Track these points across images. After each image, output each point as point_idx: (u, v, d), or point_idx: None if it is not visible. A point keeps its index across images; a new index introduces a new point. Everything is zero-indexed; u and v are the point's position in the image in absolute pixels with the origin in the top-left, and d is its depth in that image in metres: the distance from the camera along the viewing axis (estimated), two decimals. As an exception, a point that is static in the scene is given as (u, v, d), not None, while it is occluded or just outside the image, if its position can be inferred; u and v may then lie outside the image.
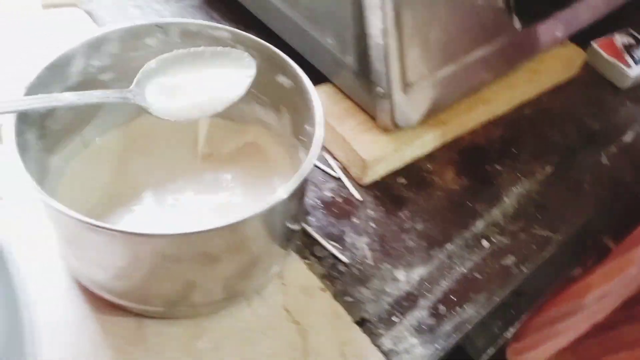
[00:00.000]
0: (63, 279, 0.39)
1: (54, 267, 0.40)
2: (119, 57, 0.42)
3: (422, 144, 0.53)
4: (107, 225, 0.30)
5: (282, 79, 0.43)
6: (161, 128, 0.45)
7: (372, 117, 0.52)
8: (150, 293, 0.36)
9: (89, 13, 0.60)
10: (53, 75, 0.38)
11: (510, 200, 0.54)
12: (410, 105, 0.49)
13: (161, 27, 0.42)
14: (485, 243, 0.50)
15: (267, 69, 0.43)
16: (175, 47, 0.43)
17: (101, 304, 0.38)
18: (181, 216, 0.41)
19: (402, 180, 0.53)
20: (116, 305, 0.37)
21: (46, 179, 0.38)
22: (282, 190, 0.33)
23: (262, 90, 0.45)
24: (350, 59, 0.50)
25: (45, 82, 0.37)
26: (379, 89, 0.48)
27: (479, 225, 0.51)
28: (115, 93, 0.36)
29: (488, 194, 0.54)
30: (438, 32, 0.49)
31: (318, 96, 0.40)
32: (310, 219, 0.48)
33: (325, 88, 0.55)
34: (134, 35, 0.41)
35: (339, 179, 0.52)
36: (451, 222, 0.51)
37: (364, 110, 0.53)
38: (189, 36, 0.43)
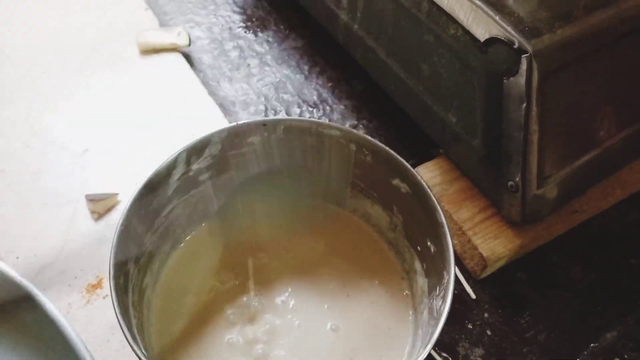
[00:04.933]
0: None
1: None
2: (218, 157, 0.38)
3: (550, 235, 0.47)
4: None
5: (398, 183, 0.38)
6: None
7: (493, 203, 0.46)
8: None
9: (186, 57, 0.57)
10: (153, 190, 0.35)
11: (647, 305, 0.47)
12: (544, 199, 0.43)
13: (267, 125, 0.38)
14: (618, 362, 0.43)
15: (382, 170, 0.38)
16: (278, 143, 0.39)
17: None
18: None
19: (523, 275, 0.47)
20: None
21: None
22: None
23: (373, 186, 0.40)
24: (476, 143, 0.44)
25: (144, 201, 0.34)
26: (511, 183, 0.42)
27: (610, 337, 0.45)
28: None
29: (621, 297, 0.47)
30: (582, 120, 0.42)
31: (441, 211, 0.35)
32: (419, 319, 0.43)
33: (440, 163, 0.49)
34: (237, 135, 0.38)
35: (450, 270, 0.46)
36: (579, 332, 0.44)
37: (483, 193, 0.47)
38: (296, 132, 0.39)
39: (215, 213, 0.42)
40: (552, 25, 0.38)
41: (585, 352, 0.43)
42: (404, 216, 0.39)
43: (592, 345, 0.44)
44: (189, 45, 0.57)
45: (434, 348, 0.42)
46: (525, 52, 0.36)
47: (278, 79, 0.58)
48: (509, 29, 0.37)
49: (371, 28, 0.49)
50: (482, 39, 0.38)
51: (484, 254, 0.44)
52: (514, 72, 0.37)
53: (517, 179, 0.41)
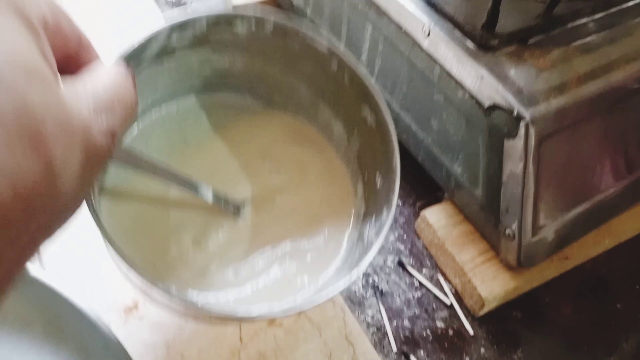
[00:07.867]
0: None
1: None
2: (200, 39, 0.38)
3: (543, 278, 0.51)
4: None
5: (367, 115, 0.39)
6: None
7: (493, 247, 0.51)
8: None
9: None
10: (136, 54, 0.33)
11: (629, 347, 0.51)
12: (538, 247, 0.48)
13: (258, 19, 0.37)
14: (602, 398, 0.48)
15: (355, 96, 0.39)
16: (263, 41, 0.39)
17: None
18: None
19: (517, 314, 0.51)
20: None
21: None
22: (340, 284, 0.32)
23: (342, 106, 0.41)
24: (478, 192, 0.48)
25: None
26: (508, 231, 0.47)
27: (596, 375, 0.49)
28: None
29: (606, 337, 0.51)
30: (574, 177, 0.47)
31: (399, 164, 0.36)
32: (420, 352, 0.48)
33: (445, 207, 0.54)
34: (226, 22, 0.37)
35: (450, 307, 0.51)
36: (567, 369, 0.49)
37: (483, 237, 0.51)
38: (282, 36, 0.38)
39: (175, 99, 0.42)
40: (548, 95, 0.43)
41: (572, 388, 0.48)
42: (361, 142, 0.40)
43: (578, 381, 0.48)
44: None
45: (434, 378, 0.46)
46: (524, 118, 0.41)
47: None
48: (509, 97, 0.42)
49: (387, 83, 0.54)
50: (486, 105, 0.43)
51: (483, 294, 0.48)
52: (514, 135, 0.42)
53: (514, 227, 0.46)
